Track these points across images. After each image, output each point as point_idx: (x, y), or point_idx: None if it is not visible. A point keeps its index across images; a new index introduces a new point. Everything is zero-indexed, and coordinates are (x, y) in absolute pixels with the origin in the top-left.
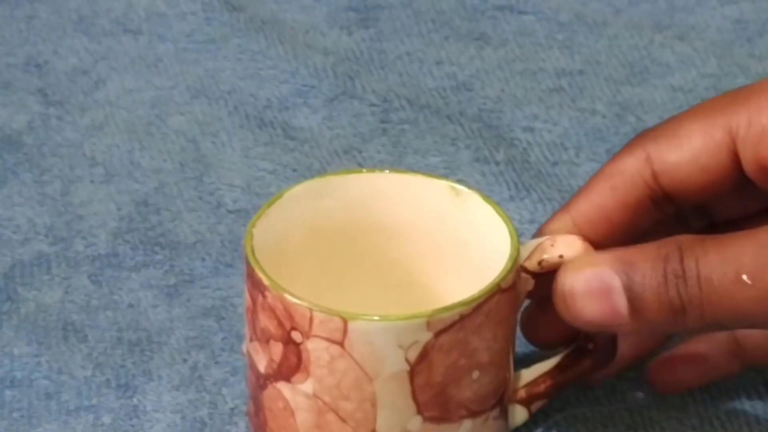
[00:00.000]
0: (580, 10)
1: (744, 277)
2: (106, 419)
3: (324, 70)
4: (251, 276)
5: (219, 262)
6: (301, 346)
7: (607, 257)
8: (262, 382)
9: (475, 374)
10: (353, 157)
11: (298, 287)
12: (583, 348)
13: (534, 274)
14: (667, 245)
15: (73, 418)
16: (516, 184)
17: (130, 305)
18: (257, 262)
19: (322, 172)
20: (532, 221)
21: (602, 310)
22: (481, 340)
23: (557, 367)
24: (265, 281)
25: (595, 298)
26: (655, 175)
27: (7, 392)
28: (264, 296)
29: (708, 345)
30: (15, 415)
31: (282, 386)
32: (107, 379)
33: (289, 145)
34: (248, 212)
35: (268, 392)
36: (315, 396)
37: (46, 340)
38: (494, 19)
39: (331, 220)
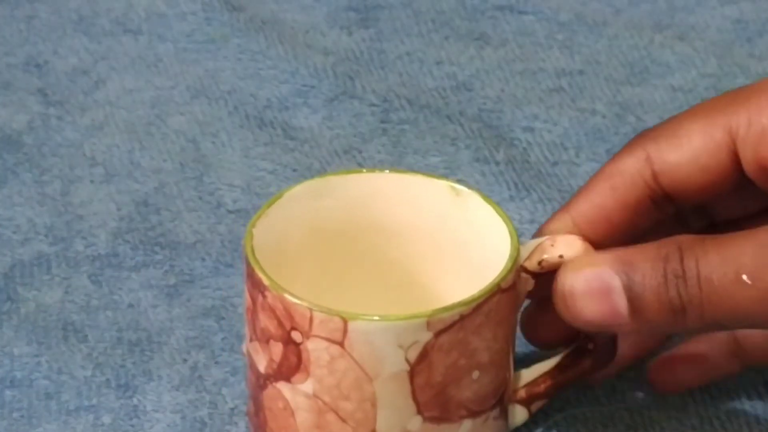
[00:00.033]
0: (580, 10)
1: (744, 277)
2: (106, 419)
3: (324, 70)
4: (251, 276)
5: (219, 262)
6: (301, 346)
7: (607, 257)
8: (262, 382)
9: (475, 374)
10: (353, 157)
11: (298, 287)
12: (583, 348)
13: (534, 274)
14: (667, 245)
15: (73, 418)
16: (516, 184)
17: (130, 305)
18: (257, 262)
19: (322, 172)
20: (532, 221)
21: (602, 310)
22: (481, 340)
23: (557, 367)
24: (265, 281)
25: (595, 298)
26: (655, 175)
27: (7, 392)
28: (264, 296)
29: (708, 345)
30: (15, 415)
31: (282, 386)
32: (107, 379)
33: (289, 145)
34: (248, 212)
35: (268, 392)
36: (315, 396)
37: (46, 340)
38: (494, 19)
39: (331, 220)
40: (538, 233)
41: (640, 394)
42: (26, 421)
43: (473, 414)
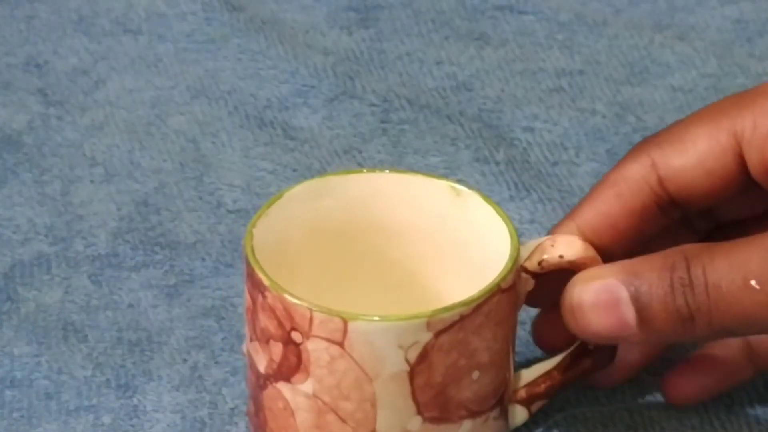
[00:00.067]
0: (580, 10)
1: (753, 282)
2: (106, 419)
3: (324, 70)
4: (251, 276)
5: (219, 262)
6: (301, 347)
7: (613, 269)
8: (262, 382)
9: (475, 374)
10: (353, 157)
11: (298, 287)
12: (583, 348)
13: (534, 275)
14: (673, 254)
15: (73, 418)
16: (516, 184)
17: (130, 305)
18: (257, 262)
19: (322, 172)
20: (532, 221)
21: (611, 322)
22: (481, 341)
23: (557, 368)
24: (265, 281)
25: (603, 310)
26: (660, 181)
27: (7, 392)
28: (264, 296)
29: (722, 352)
30: (15, 415)
31: (282, 386)
32: (107, 379)
33: (289, 145)
34: (248, 212)
35: (268, 392)
36: (315, 396)
37: (46, 340)
38: (494, 19)
39: (331, 220)
40: None
41: (640, 394)
42: (26, 421)
43: (473, 414)
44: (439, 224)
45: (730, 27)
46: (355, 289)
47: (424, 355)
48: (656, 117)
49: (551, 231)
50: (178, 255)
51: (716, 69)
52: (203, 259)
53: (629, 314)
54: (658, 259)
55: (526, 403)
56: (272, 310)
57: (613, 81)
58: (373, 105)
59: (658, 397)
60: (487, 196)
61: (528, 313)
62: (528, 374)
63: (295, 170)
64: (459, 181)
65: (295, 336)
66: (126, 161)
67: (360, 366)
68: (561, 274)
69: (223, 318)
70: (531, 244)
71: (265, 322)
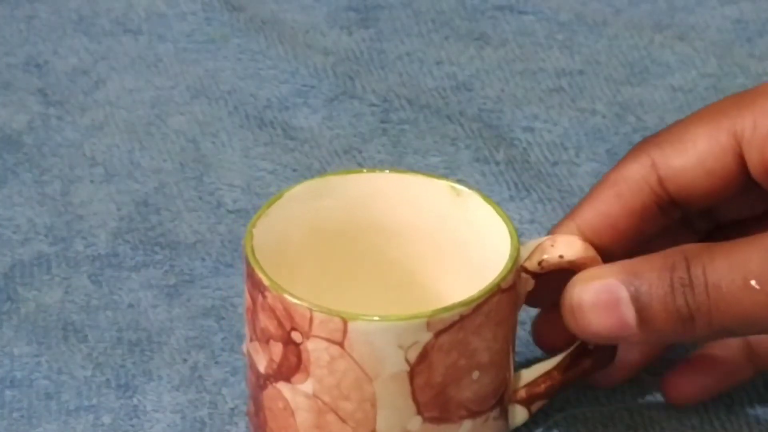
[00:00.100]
0: (580, 10)
1: (753, 282)
2: (106, 419)
3: (324, 70)
4: (251, 276)
5: (219, 262)
6: (301, 347)
7: (613, 269)
8: (262, 382)
9: (475, 374)
10: (353, 157)
11: (298, 287)
12: (583, 348)
13: (534, 275)
14: (673, 255)
15: (73, 418)
16: (516, 184)
17: (130, 305)
18: (257, 262)
19: (322, 172)
20: (532, 221)
21: (611, 322)
22: (481, 341)
23: (557, 368)
24: (265, 281)
25: (603, 310)
26: (660, 181)
27: (7, 392)
28: (264, 296)
29: (722, 352)
30: (15, 415)
31: (282, 386)
32: (107, 379)
33: (289, 145)
34: (248, 212)
35: (268, 392)
36: (315, 396)
37: (46, 340)
38: (494, 19)
39: (331, 220)
40: None
41: (640, 395)
42: (26, 421)
43: (473, 414)
44: (439, 224)
45: (730, 27)
46: (355, 289)
47: (424, 355)
48: (656, 117)
49: (551, 231)
50: (178, 255)
51: (716, 69)
52: (203, 259)
53: (629, 314)
54: (658, 259)
55: (526, 403)
56: (272, 310)
57: (613, 81)
58: (373, 105)
59: (658, 397)
60: (487, 196)
61: (528, 313)
62: (528, 374)
63: (295, 170)
64: (459, 181)
65: (295, 336)
66: (126, 161)
67: (360, 366)
68: (561, 274)
69: (223, 318)
70: (531, 244)
71: (265, 322)
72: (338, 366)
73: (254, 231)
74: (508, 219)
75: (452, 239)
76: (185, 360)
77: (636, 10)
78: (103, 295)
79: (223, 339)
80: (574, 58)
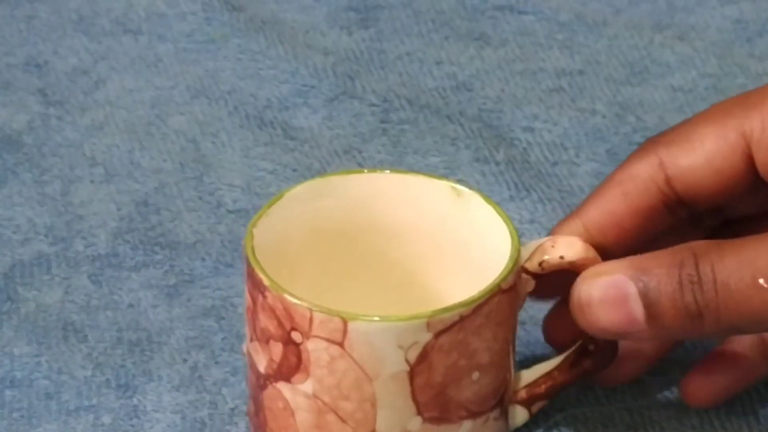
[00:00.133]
0: (580, 10)
1: (761, 281)
2: (106, 419)
3: (324, 70)
4: (251, 276)
5: (219, 262)
6: (301, 347)
7: (622, 264)
8: (262, 382)
9: (475, 375)
10: (353, 157)
11: (298, 287)
12: (584, 349)
13: (535, 275)
14: (682, 251)
15: (73, 418)
16: (516, 184)
17: (130, 305)
18: (257, 262)
19: (322, 172)
20: (532, 221)
21: (619, 318)
22: (481, 341)
23: (558, 368)
24: (265, 281)
25: (612, 306)
26: (668, 180)
27: (7, 392)
28: (264, 296)
29: (738, 351)
30: (15, 415)
31: (282, 386)
32: (107, 379)
33: (289, 145)
34: (248, 212)
35: (268, 392)
36: (315, 396)
37: (46, 340)
38: (494, 19)
39: (331, 220)
40: None
41: (640, 395)
42: (26, 421)
43: (473, 415)
44: (440, 224)
45: (730, 27)
46: (355, 289)
47: (424, 356)
48: (656, 117)
49: (555, 228)
50: (178, 255)
51: (716, 69)
52: (203, 259)
53: (638, 310)
54: (667, 255)
55: (527, 403)
56: (272, 310)
57: (613, 81)
58: (373, 105)
59: (658, 397)
60: (488, 197)
61: (528, 313)
62: (528, 375)
63: (295, 170)
64: (459, 182)
65: (295, 336)
66: (126, 161)
67: (360, 366)
68: (563, 274)
69: (223, 318)
70: (531, 245)
71: (265, 322)
72: (338, 366)
73: (254, 231)
74: (509, 219)
75: (453, 240)
76: (185, 360)
77: (636, 10)
78: (103, 295)
79: (223, 339)
80: (574, 58)
